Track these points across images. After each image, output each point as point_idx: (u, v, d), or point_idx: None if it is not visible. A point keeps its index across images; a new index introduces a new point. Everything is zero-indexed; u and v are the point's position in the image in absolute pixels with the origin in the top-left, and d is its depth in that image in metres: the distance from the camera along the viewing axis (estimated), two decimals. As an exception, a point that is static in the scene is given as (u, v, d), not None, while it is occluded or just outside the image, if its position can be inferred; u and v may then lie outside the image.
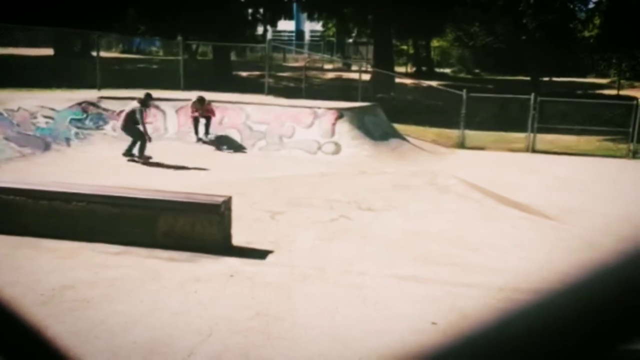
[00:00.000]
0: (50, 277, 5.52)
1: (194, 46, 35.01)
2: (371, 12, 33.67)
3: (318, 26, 58.02)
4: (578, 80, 39.21)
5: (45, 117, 13.99)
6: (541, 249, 7.18)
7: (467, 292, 5.52)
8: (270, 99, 18.52)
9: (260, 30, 39.87)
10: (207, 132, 15.26)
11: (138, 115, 12.54)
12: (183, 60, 20.70)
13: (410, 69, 45.83)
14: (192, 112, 15.02)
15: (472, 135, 19.06)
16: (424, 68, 45.29)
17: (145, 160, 12.61)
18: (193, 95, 15.58)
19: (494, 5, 30.46)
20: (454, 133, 19.31)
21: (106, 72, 19.14)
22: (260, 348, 4.30)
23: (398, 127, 18.39)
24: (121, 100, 15.83)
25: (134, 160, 12.61)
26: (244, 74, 31.27)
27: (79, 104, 15.08)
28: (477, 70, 46.99)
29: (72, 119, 14.52)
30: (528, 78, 32.96)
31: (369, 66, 30.84)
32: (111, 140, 14.42)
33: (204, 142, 15.09)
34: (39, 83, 17.50)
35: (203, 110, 15.01)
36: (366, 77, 26.00)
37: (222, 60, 29.33)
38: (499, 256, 6.80)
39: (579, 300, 0.48)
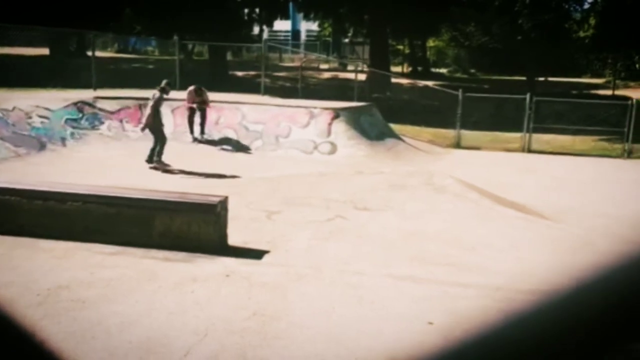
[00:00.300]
0: (46, 277, 5.51)
1: (190, 46, 34.97)
2: (367, 12, 33.70)
3: (314, 26, 58.08)
4: (573, 80, 39.35)
5: (41, 117, 13.94)
6: (537, 249, 7.20)
7: (464, 292, 5.53)
8: (266, 98, 18.51)
9: (256, 30, 39.87)
10: (202, 132, 15.25)
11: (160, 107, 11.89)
12: (179, 60, 20.67)
13: (406, 68, 45.88)
14: (189, 101, 14.98)
15: (468, 135, 19.10)
16: (419, 68, 45.37)
17: (164, 168, 11.80)
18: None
19: (490, 5, 30.52)
20: (450, 133, 19.34)
21: (102, 71, 19.08)
22: (256, 348, 4.30)
23: (394, 127, 18.41)
24: (117, 100, 15.82)
25: (155, 168, 11.79)
26: (240, 73, 31.24)
27: (75, 103, 15.04)
28: (473, 70, 47.10)
29: (67, 119, 14.48)
30: (524, 78, 33.04)
31: (365, 66, 30.85)
32: (107, 140, 14.41)
33: (200, 142, 15.08)
34: (34, 83, 17.45)
35: (200, 101, 14.99)
36: (362, 77, 26.03)
37: (218, 60, 29.31)
38: (496, 256, 6.81)
39: (580, 303, 0.48)
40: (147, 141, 12.34)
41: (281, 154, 14.53)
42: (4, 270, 5.69)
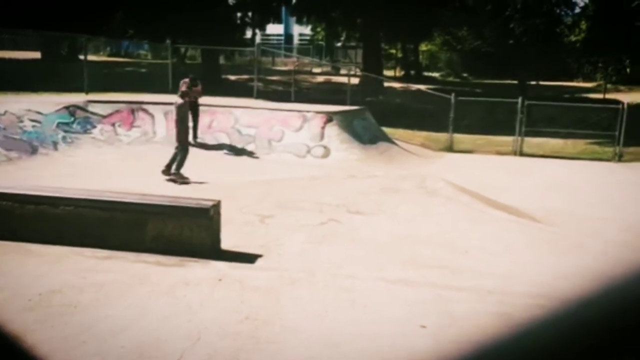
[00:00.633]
0: (38, 282, 5.48)
1: (182, 49, 34.95)
2: (360, 16, 33.77)
3: (307, 30, 58.21)
4: (565, 84, 39.58)
5: (33, 120, 13.88)
6: (530, 252, 7.22)
7: (457, 295, 5.54)
8: (259, 102, 18.50)
9: (249, 33, 39.90)
10: (195, 136, 15.21)
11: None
12: (172, 63, 20.65)
13: (398, 72, 46.01)
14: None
15: (461, 138, 19.18)
16: (412, 72, 45.51)
17: (183, 181, 11.22)
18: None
19: (482, 9, 30.69)
20: (442, 136, 19.41)
21: (94, 75, 19.04)
22: (249, 352, 4.29)
23: (387, 130, 18.45)
24: (109, 104, 15.77)
25: (173, 181, 11.22)
26: (233, 77, 31.24)
27: (67, 107, 14.99)
28: (465, 74, 47.26)
29: (59, 123, 14.42)
30: (515, 82, 33.21)
31: (357, 70, 30.94)
32: (99, 144, 14.35)
33: (193, 146, 15.02)
34: (26, 86, 17.39)
35: (193, 93, 14.84)
36: (355, 80, 26.10)
37: (211, 63, 29.29)
38: (488, 259, 6.83)
39: (592, 313, 0.48)
40: (140, 145, 12.26)
41: (274, 158, 14.52)
42: (-5, 275, 5.65)
